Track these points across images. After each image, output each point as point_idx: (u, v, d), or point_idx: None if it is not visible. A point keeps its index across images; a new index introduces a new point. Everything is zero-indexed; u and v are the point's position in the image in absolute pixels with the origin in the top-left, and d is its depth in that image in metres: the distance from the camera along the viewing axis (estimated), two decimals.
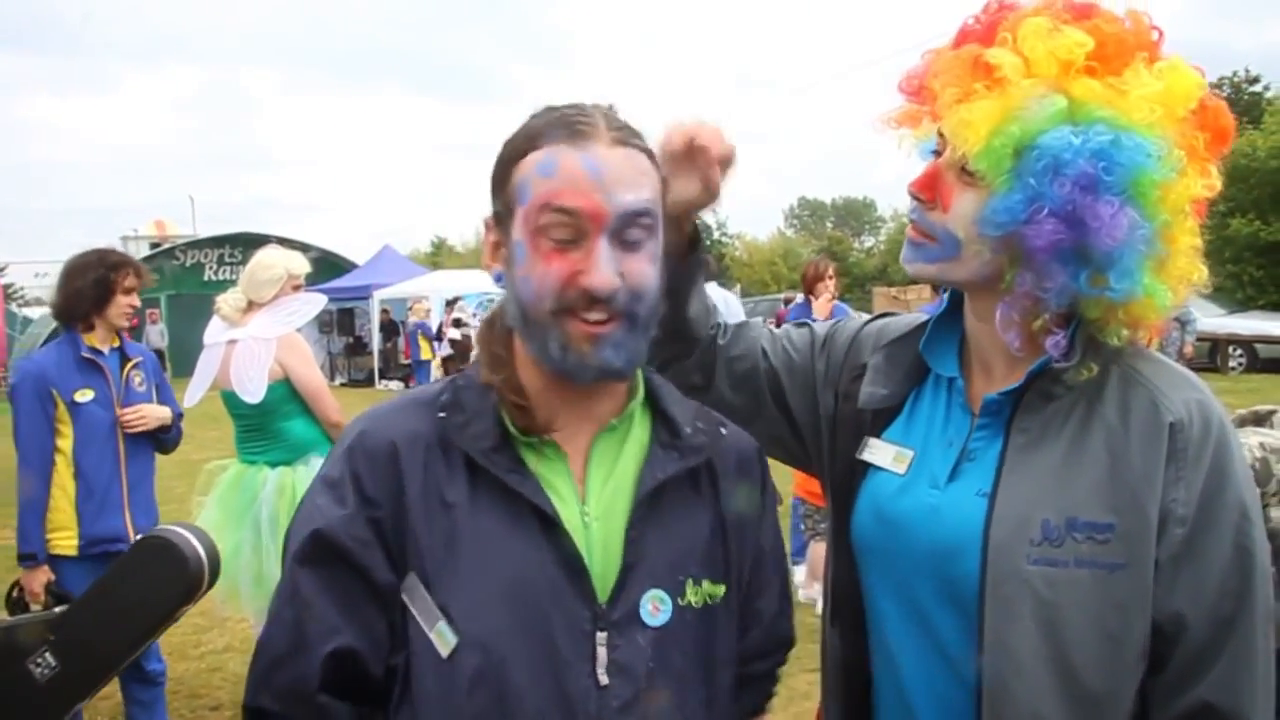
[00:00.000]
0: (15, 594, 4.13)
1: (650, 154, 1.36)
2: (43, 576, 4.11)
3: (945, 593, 1.47)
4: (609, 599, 1.31)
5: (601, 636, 1.30)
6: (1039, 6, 1.42)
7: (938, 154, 1.49)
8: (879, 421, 1.62)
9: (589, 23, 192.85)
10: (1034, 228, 1.37)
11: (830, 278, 7.58)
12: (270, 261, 4.77)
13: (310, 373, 4.79)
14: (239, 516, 4.68)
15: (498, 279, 1.39)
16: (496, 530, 1.30)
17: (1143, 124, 1.34)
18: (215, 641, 6.17)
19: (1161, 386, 1.44)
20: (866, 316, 1.85)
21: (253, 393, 4.56)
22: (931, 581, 1.49)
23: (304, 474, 4.65)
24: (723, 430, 1.48)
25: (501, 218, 1.36)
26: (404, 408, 1.40)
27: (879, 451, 1.60)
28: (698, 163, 1.56)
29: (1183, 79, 1.38)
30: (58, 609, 3.40)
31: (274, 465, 4.75)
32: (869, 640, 1.60)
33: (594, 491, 1.36)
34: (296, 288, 4.82)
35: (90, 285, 4.22)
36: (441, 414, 1.35)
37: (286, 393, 4.68)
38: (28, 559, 4.09)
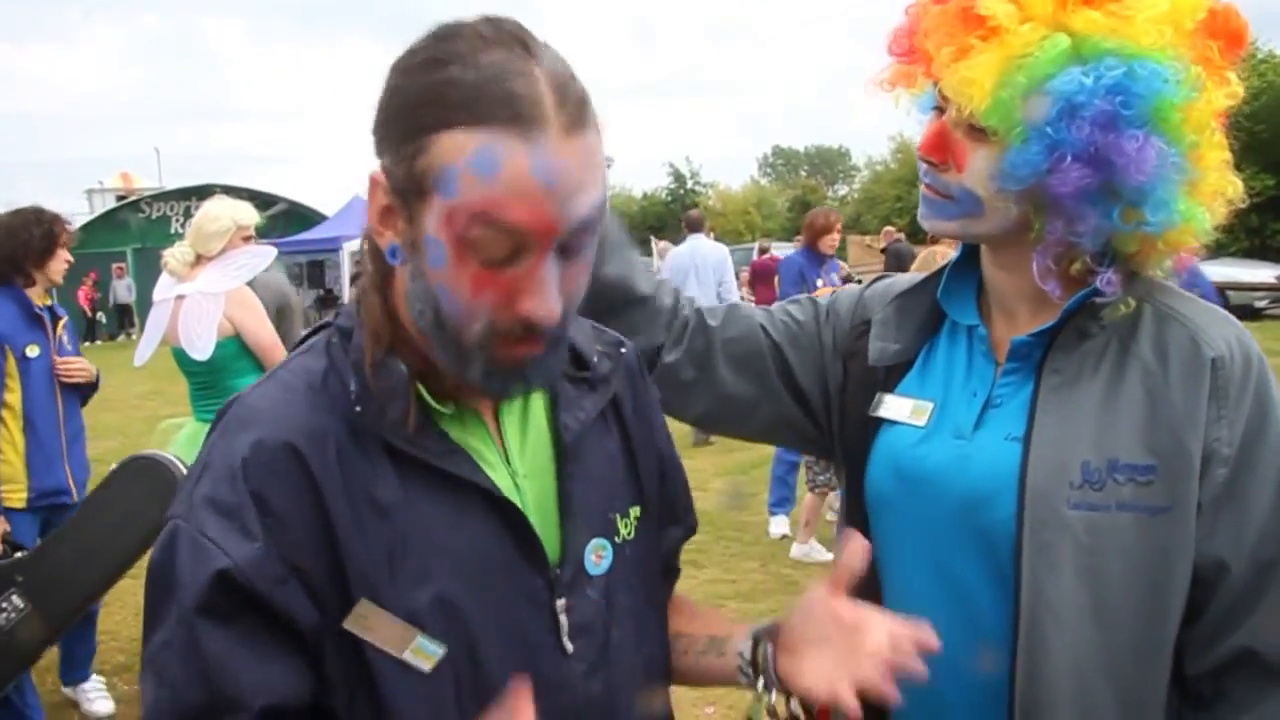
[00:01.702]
0: None
1: (597, 124, 1.10)
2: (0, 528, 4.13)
3: (975, 545, 1.41)
4: (558, 560, 1.23)
5: (560, 604, 1.22)
6: None
7: (939, 110, 1.42)
8: (892, 377, 1.56)
9: None
10: (1058, 176, 1.30)
11: (838, 231, 7.30)
12: (217, 213, 4.61)
13: (262, 328, 4.63)
14: None
15: (393, 254, 1.12)
16: (440, 520, 1.15)
17: (1154, 48, 1.27)
18: None
19: (1200, 323, 1.39)
20: (865, 282, 1.77)
21: (201, 349, 4.43)
22: (960, 534, 1.43)
23: None
24: (623, 349, 1.38)
25: (406, 193, 1.07)
26: (291, 399, 1.17)
27: (895, 406, 1.53)
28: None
29: None
30: (17, 554, 3.63)
31: None
32: (884, 608, 1.54)
33: (515, 447, 1.25)
34: (246, 239, 4.67)
35: (38, 240, 4.30)
36: (358, 408, 1.14)
37: (238, 349, 4.56)
38: None
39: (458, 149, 1.02)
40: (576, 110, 1.05)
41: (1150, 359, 1.38)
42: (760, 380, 1.66)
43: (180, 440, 4.74)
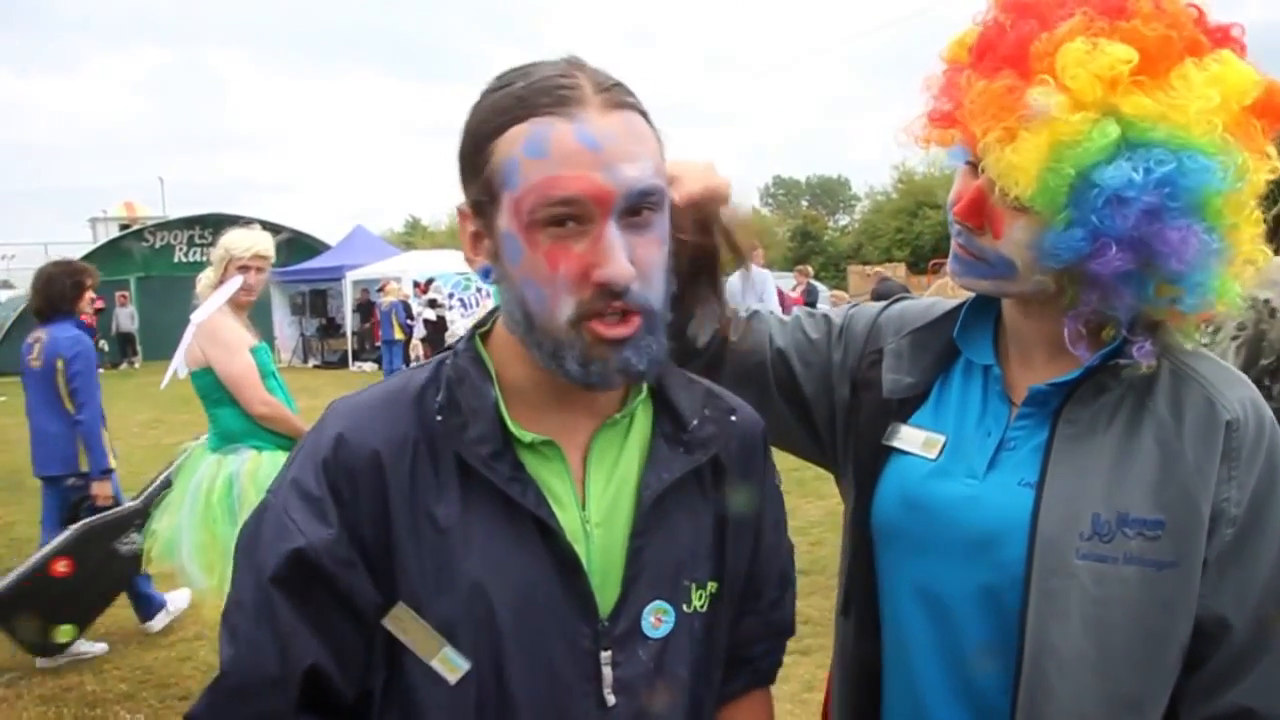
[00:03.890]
0: (85, 504, 5.71)
1: (645, 112, 1.21)
2: (109, 485, 5.77)
3: (977, 584, 1.42)
4: (611, 614, 1.23)
5: (605, 655, 1.22)
6: (1072, 26, 1.30)
7: (972, 165, 1.41)
8: (905, 408, 1.58)
9: (563, 2, 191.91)
10: (1099, 260, 1.30)
11: None
12: (220, 241, 4.78)
13: (230, 362, 4.66)
14: (181, 496, 4.74)
15: (485, 275, 1.23)
16: (493, 544, 1.19)
17: (1204, 140, 1.26)
18: (186, 629, 6.10)
19: (1216, 383, 1.40)
20: (883, 303, 1.78)
21: (167, 378, 4.55)
22: (963, 571, 1.44)
23: (231, 463, 4.62)
24: (733, 417, 1.37)
25: (483, 206, 1.19)
26: (386, 404, 1.26)
27: (907, 436, 1.55)
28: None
29: (1237, 78, 1.29)
30: (132, 502, 5.44)
31: (214, 450, 4.76)
32: (882, 633, 1.55)
33: (595, 495, 1.26)
34: (244, 269, 4.73)
35: (70, 287, 5.82)
36: (439, 417, 1.22)
37: (215, 380, 4.65)
38: (106, 472, 5.75)
39: (514, 142, 1.14)
40: (615, 95, 1.17)
41: (1165, 416, 1.38)
42: (762, 392, 1.68)
43: (185, 462, 4.89)
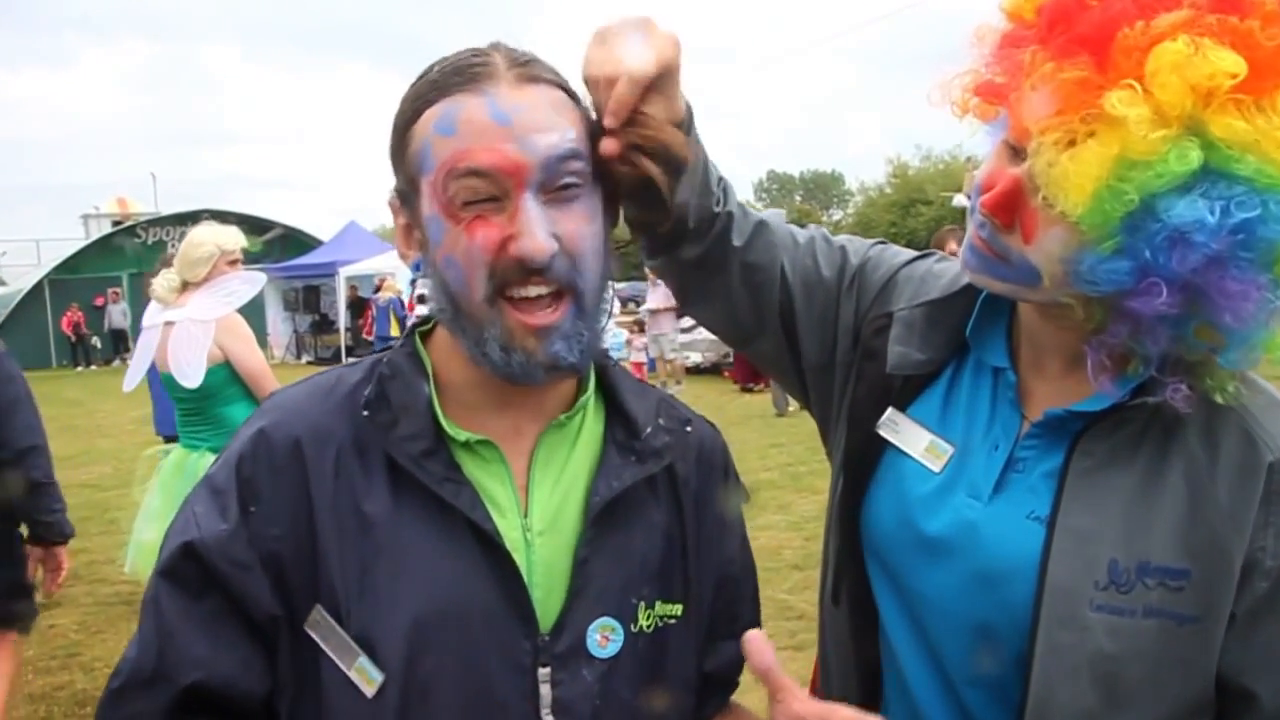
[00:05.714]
0: None
1: (568, 90, 1.17)
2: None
3: (972, 619, 1.30)
4: (553, 629, 1.16)
5: (544, 673, 1.15)
6: (1174, 21, 1.09)
7: (1011, 148, 1.22)
8: (908, 391, 1.42)
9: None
10: (1142, 299, 1.13)
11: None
12: (200, 239, 4.67)
13: (251, 355, 4.64)
14: (179, 502, 4.61)
15: (416, 268, 1.18)
16: (423, 548, 1.13)
17: None
18: None
19: (1257, 414, 1.24)
20: (909, 253, 1.59)
21: (191, 377, 4.46)
22: (957, 603, 1.31)
23: None
24: (688, 429, 1.31)
25: (407, 195, 1.17)
26: (315, 396, 1.21)
27: (906, 432, 1.40)
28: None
29: None
30: None
31: (216, 451, 4.64)
32: (878, 633, 1.43)
33: (538, 501, 1.20)
34: (232, 264, 4.68)
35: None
36: (365, 412, 1.16)
37: (227, 376, 4.58)
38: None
39: (427, 124, 1.12)
40: (530, 69, 1.14)
41: (1197, 450, 1.23)
42: (761, 316, 1.56)
43: (167, 468, 4.75)
